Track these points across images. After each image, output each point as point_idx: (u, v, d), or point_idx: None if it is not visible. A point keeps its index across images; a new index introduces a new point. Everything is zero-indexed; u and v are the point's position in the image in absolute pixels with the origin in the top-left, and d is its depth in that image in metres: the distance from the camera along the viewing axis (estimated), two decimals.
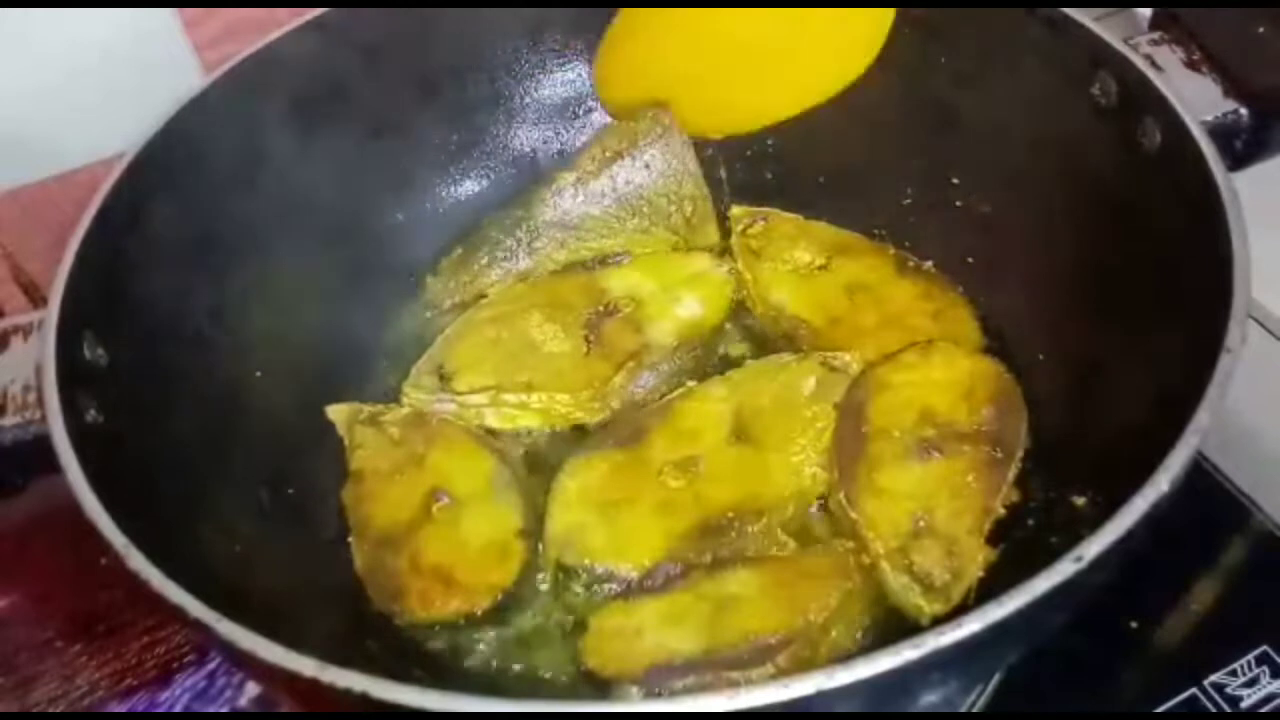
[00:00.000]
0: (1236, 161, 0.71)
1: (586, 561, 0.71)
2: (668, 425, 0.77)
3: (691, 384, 0.80)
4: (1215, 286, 0.58)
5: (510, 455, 0.78)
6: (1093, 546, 0.48)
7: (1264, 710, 0.73)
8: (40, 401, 0.60)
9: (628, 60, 0.87)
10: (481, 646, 0.69)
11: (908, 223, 0.87)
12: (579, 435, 0.80)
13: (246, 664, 0.54)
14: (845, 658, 0.44)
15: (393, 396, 0.82)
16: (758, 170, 0.93)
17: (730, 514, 0.71)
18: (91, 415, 0.62)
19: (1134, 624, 0.78)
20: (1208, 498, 0.84)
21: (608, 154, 0.90)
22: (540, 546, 0.73)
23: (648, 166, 0.90)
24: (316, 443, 0.79)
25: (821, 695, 0.44)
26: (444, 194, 0.92)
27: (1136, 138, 0.69)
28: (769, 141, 0.92)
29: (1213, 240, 0.60)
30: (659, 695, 0.61)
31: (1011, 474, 0.71)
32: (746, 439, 0.75)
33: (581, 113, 0.95)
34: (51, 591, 0.87)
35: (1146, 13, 0.79)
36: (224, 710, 0.79)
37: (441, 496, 0.74)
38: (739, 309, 0.87)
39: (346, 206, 0.86)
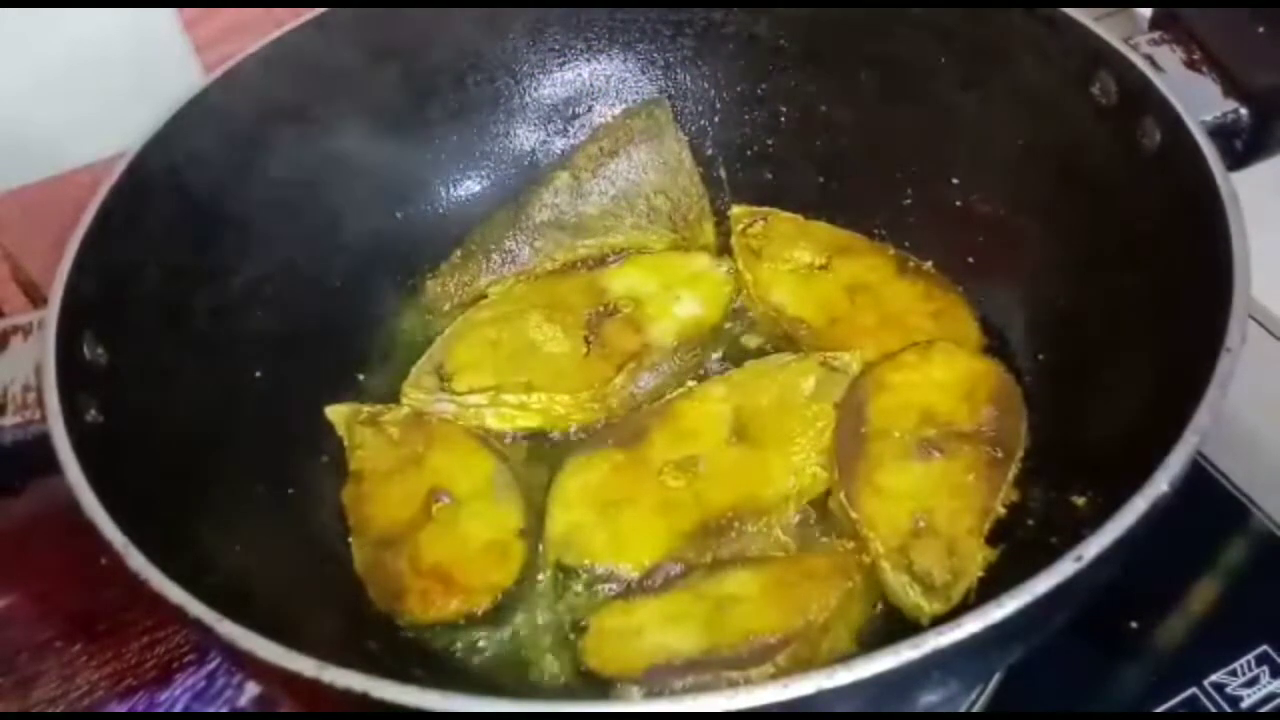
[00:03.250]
0: (1236, 161, 0.71)
1: (586, 561, 0.71)
2: (668, 425, 0.77)
3: (691, 384, 0.80)
4: (1215, 286, 0.58)
5: (510, 455, 0.78)
6: (1093, 546, 0.48)
7: (1264, 710, 0.73)
8: (40, 401, 0.61)
9: None
10: (481, 646, 0.69)
11: (908, 223, 0.87)
12: (579, 435, 0.80)
13: (246, 664, 0.54)
14: (845, 658, 0.44)
15: (392, 397, 0.82)
16: (758, 170, 0.93)
17: (730, 514, 0.71)
18: (91, 415, 0.62)
19: (1134, 624, 0.78)
20: (1208, 498, 0.84)
21: (603, 152, 0.91)
22: (540, 546, 0.73)
23: (642, 163, 0.90)
24: (316, 443, 0.79)
25: (821, 695, 0.44)
26: (444, 194, 0.92)
27: (1136, 138, 0.69)
28: (769, 141, 0.92)
29: (1213, 240, 0.60)
30: (659, 695, 0.61)
31: (1011, 474, 0.71)
32: (746, 439, 0.75)
33: (581, 113, 0.94)
34: (51, 591, 0.87)
35: (1146, 13, 0.79)
36: (224, 710, 0.79)
37: (441, 496, 0.74)
38: (739, 309, 0.86)
39: (346, 207, 0.86)
